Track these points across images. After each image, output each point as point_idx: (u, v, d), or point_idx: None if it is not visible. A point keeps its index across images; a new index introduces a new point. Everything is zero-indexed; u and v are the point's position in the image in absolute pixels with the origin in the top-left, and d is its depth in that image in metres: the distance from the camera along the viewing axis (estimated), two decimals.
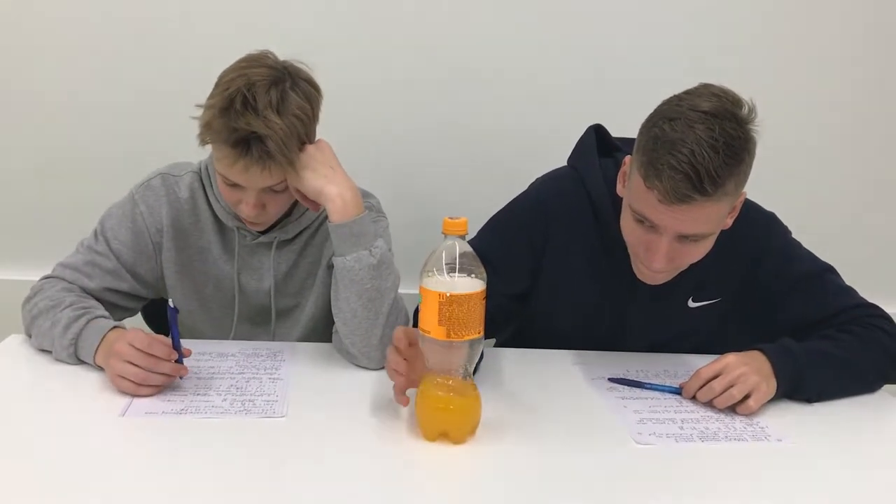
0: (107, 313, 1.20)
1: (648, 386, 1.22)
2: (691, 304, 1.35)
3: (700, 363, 1.18)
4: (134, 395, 1.06)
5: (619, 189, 1.24)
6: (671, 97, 1.13)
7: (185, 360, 1.11)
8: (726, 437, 1.07)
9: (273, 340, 1.37)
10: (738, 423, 1.11)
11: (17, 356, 1.20)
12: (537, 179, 1.40)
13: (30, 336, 1.22)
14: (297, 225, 1.33)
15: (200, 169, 1.33)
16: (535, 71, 1.92)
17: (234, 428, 1.01)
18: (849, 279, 1.33)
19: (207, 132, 1.13)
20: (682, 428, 1.09)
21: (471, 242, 1.38)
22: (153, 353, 1.05)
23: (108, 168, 1.88)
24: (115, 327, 1.13)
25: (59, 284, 1.24)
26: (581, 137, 1.39)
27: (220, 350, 1.25)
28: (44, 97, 1.89)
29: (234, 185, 1.18)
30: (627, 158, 1.20)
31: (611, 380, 1.23)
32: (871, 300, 1.31)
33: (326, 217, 1.21)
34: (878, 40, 1.97)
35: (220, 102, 1.10)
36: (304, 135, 1.16)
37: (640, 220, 1.15)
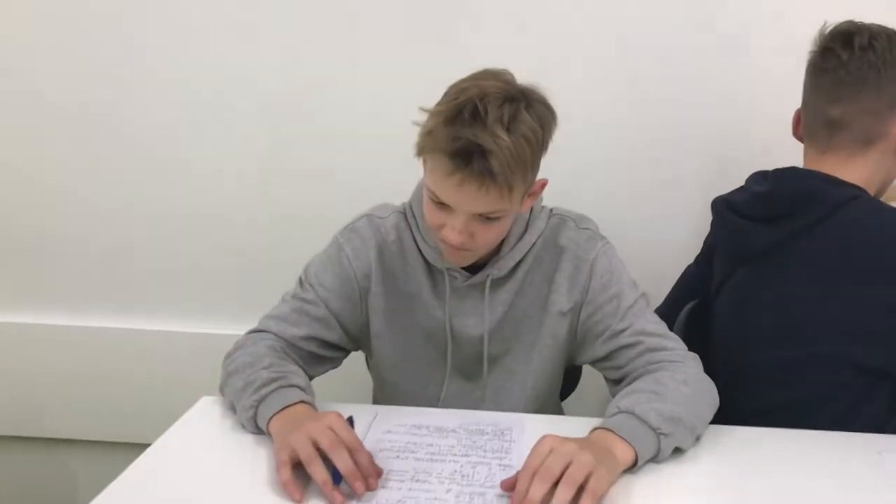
0: (305, 383, 1.07)
1: None
2: None
3: None
4: (281, 480, 0.88)
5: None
6: None
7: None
8: None
9: (485, 396, 1.22)
10: None
11: (209, 422, 1.09)
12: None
13: (223, 394, 1.12)
14: (510, 259, 1.17)
15: (405, 209, 1.22)
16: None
17: None
18: None
19: (427, 139, 1.02)
20: None
21: None
22: (345, 441, 0.90)
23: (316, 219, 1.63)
24: (303, 401, 1.01)
25: (265, 341, 1.14)
26: None
27: (438, 423, 1.08)
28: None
29: (443, 206, 1.05)
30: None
31: None
32: None
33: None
34: None
35: (447, 110, 0.99)
36: (529, 161, 1.02)
37: None
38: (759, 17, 1.59)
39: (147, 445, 1.02)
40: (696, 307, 1.41)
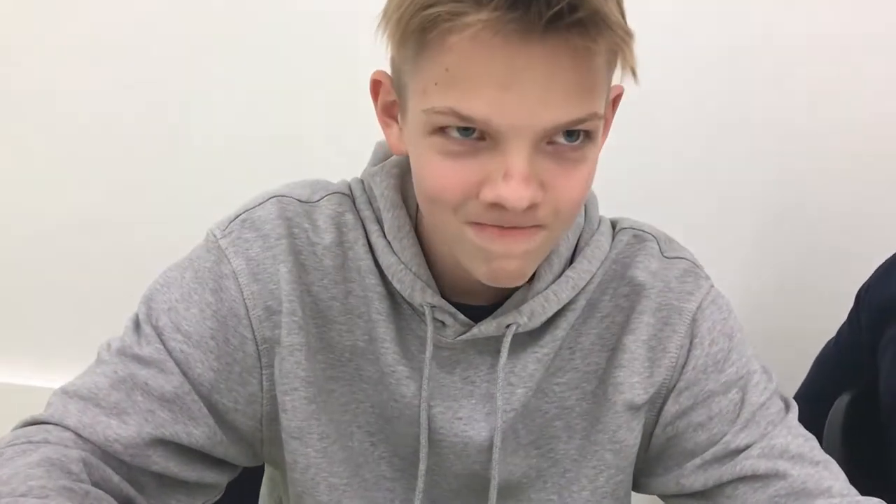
0: None
1: None
2: None
3: None
4: None
5: None
6: None
7: None
8: None
9: None
10: None
11: None
12: None
13: None
14: (551, 298, 0.63)
15: (352, 191, 0.67)
16: None
17: None
18: None
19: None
20: None
21: None
22: None
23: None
24: None
25: (44, 450, 0.55)
26: None
27: None
28: None
29: (479, 143, 0.52)
30: None
31: None
32: None
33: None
34: None
35: None
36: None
37: None
38: None
39: None
40: (852, 403, 0.86)
